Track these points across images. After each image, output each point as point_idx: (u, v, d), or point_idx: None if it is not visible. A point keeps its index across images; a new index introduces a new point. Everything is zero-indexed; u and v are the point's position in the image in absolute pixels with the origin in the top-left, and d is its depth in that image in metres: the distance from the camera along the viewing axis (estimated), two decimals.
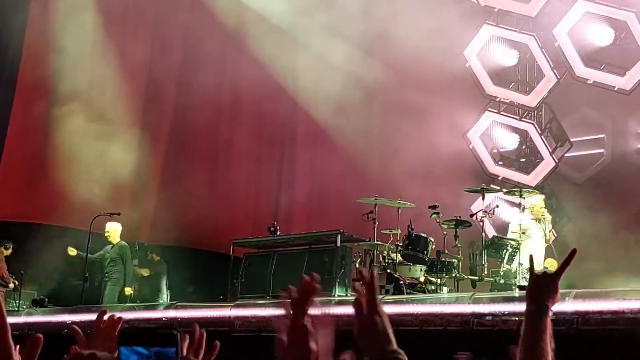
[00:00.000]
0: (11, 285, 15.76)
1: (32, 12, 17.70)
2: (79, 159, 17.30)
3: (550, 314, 2.50)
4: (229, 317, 10.14)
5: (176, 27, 18.37)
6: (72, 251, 14.91)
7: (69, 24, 17.49)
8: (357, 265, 13.22)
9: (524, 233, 12.44)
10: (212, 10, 18.01)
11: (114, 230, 15.03)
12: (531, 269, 2.67)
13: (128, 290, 14.91)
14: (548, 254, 12.75)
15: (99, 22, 18.01)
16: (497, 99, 17.07)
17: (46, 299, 14.52)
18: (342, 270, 13.01)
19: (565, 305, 7.57)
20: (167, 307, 11.16)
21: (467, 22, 16.69)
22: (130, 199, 17.95)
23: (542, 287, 2.55)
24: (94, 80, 18.02)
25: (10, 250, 16.09)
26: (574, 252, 2.61)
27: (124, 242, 15.17)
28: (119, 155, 17.73)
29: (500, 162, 17.11)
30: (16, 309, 14.31)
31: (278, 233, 14.58)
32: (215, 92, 18.13)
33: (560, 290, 2.58)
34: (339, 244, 13.09)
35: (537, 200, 12.79)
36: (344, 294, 12.63)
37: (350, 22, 17.07)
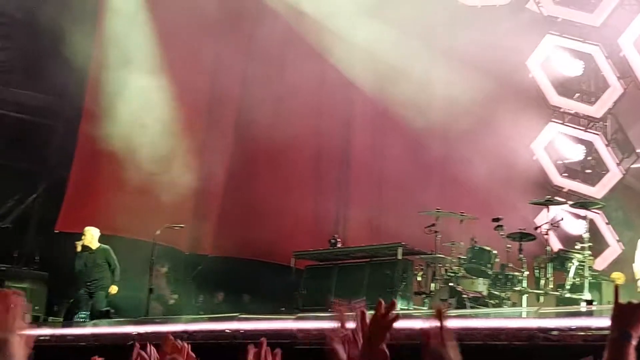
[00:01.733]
0: (171, 302, 15.99)
1: (97, 39, 18.01)
2: (143, 173, 17.55)
3: (634, 342, 2.50)
4: (292, 329, 10.14)
5: (238, 41, 18.48)
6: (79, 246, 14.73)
7: (129, 44, 17.81)
8: (419, 279, 13.15)
9: None
10: (273, 18, 18.10)
11: (91, 235, 14.61)
12: (615, 297, 2.67)
13: (114, 289, 14.50)
14: (617, 268, 12.52)
15: (158, 40, 18.28)
16: (562, 110, 16.85)
17: (111, 310, 14.69)
18: (404, 283, 12.96)
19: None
20: (230, 319, 11.19)
21: (529, 33, 16.54)
22: (193, 212, 18.14)
23: (626, 316, 2.55)
24: (156, 97, 18.29)
25: (165, 269, 16.56)
26: None
27: (106, 246, 14.76)
28: (183, 169, 17.96)
29: (565, 174, 16.86)
30: (83, 320, 14.51)
31: (339, 245, 14.58)
32: (276, 105, 18.20)
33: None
34: (400, 257, 13.05)
35: None
36: (406, 307, 12.56)
37: (411, 34, 17.02)
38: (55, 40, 17.39)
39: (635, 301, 2.59)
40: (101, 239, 15.43)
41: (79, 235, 15.95)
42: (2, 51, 19.71)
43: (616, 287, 2.83)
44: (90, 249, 14.52)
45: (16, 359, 1.79)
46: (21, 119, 19.37)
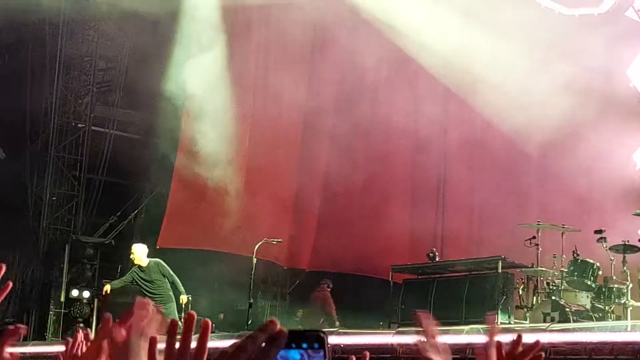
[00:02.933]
0: (337, 323, 16.13)
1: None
2: (241, 189, 17.83)
3: None
4: (392, 344, 10.14)
5: (331, 63, 18.56)
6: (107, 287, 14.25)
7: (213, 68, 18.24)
8: (520, 292, 12.99)
9: None
10: (364, 41, 18.15)
11: (138, 252, 14.03)
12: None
13: (184, 299, 14.00)
14: None
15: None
16: None
17: (213, 325, 14.86)
18: (505, 297, 12.81)
19: None
20: (330, 334, 11.27)
21: (629, 41, 16.23)
22: (291, 227, 18.32)
23: None
24: (250, 116, 18.67)
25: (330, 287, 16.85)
26: None
27: (156, 259, 14.21)
28: (281, 186, 18.18)
29: None
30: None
31: (437, 259, 14.51)
32: (370, 123, 18.25)
33: None
34: (500, 270, 12.91)
35: None
36: (507, 322, 12.42)
37: (507, 46, 16.87)
38: (155, 60, 17.89)
39: None
40: (198, 254, 15.64)
41: (181, 252, 16.27)
42: (105, 71, 20.32)
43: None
44: (141, 266, 14.01)
45: None
46: (123, 137, 19.91)
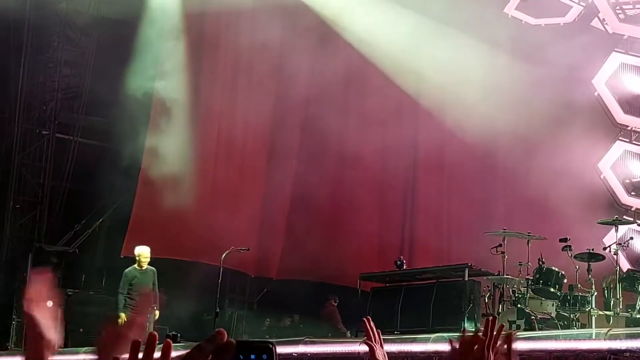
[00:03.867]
0: (348, 334, 15.97)
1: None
2: (207, 197, 17.73)
3: None
4: (359, 352, 10.11)
5: (297, 77, 18.57)
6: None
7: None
8: (487, 300, 13.02)
9: None
10: (334, 56, 18.17)
11: (144, 255, 14.01)
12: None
13: (156, 314, 13.84)
14: None
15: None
16: (629, 128, 16.63)
17: (179, 335, 14.75)
18: (471, 304, 12.84)
19: None
20: (297, 343, 11.20)
21: (594, 51, 16.38)
22: (259, 236, 18.25)
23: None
24: (217, 121, 18.60)
25: (337, 303, 16.73)
26: None
27: (153, 267, 14.19)
28: (248, 192, 18.11)
29: (633, 193, 16.60)
30: None
31: (405, 267, 14.53)
32: (338, 134, 18.24)
33: None
34: (466, 278, 12.94)
35: None
36: (473, 329, 12.42)
37: (474, 55, 16.95)
38: (120, 67, 17.78)
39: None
40: (164, 263, 15.53)
41: None
42: (70, 78, 20.10)
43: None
44: (141, 268, 13.99)
45: None
46: (88, 144, 19.68)
